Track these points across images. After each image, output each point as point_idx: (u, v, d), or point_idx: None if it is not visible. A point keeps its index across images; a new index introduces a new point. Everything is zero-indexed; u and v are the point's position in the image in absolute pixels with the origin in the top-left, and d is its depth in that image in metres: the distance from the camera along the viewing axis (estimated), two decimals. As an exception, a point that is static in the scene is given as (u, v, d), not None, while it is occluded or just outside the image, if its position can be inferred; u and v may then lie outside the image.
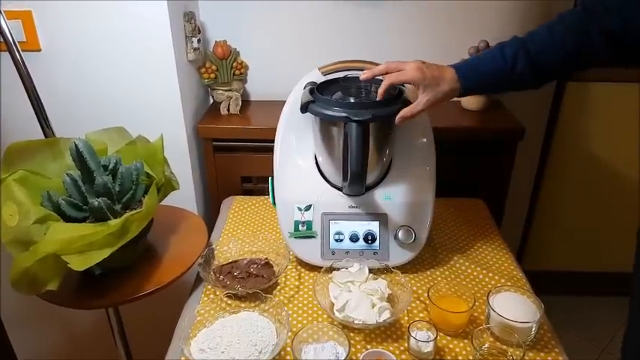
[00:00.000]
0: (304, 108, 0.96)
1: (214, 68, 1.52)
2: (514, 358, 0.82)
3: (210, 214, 1.57)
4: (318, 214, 1.04)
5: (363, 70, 0.95)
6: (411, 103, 0.89)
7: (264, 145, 1.39)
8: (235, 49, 1.55)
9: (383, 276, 0.98)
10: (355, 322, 0.87)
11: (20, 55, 1.01)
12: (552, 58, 0.83)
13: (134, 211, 0.91)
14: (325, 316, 0.94)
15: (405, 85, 0.96)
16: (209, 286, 1.03)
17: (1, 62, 1.25)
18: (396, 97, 0.95)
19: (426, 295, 0.97)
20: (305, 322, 0.94)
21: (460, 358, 0.86)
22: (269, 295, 0.94)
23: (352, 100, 0.96)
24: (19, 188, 0.87)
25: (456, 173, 1.37)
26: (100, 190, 0.92)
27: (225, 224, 1.26)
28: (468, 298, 0.92)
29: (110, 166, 0.96)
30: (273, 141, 1.09)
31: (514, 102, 1.60)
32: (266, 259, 1.07)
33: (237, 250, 1.11)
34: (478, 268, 1.08)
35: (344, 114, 0.90)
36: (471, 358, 0.85)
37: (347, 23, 1.55)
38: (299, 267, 1.08)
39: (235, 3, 1.52)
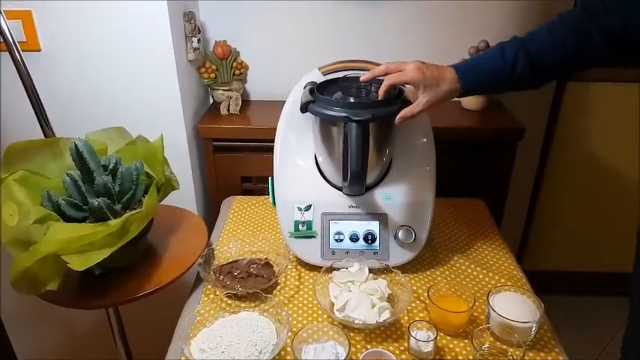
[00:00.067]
0: (304, 108, 0.96)
1: (214, 68, 1.52)
2: (514, 357, 0.82)
3: (210, 214, 1.57)
4: (318, 214, 1.04)
5: (363, 70, 0.95)
6: (411, 104, 0.89)
7: (264, 145, 1.39)
8: (235, 49, 1.55)
9: (383, 276, 0.98)
10: (355, 321, 0.87)
11: (20, 55, 1.01)
12: (552, 58, 0.83)
13: (134, 211, 0.91)
14: (325, 316, 0.94)
15: (405, 85, 0.96)
16: (209, 286, 1.03)
17: (1, 62, 1.25)
18: (396, 97, 0.95)
19: (426, 294, 0.97)
20: (305, 322, 0.94)
21: (460, 357, 0.86)
22: (269, 295, 0.94)
23: (352, 100, 0.96)
24: (19, 188, 0.87)
25: (456, 173, 1.37)
26: (100, 190, 0.92)
27: (225, 224, 1.26)
28: (468, 297, 0.92)
29: (110, 166, 0.96)
30: (273, 141, 1.09)
31: (514, 102, 1.60)
32: (266, 259, 1.07)
33: (237, 250, 1.11)
34: (478, 268, 1.08)
35: (344, 114, 0.90)
36: (471, 357, 0.85)
37: (347, 23, 1.55)
38: (299, 267, 1.08)
39: (235, 3, 1.52)
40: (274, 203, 1.09)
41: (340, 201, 1.05)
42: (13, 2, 1.21)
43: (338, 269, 0.98)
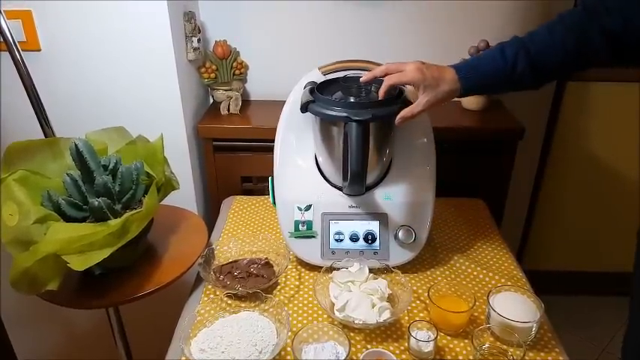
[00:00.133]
0: (304, 108, 0.96)
1: (214, 68, 1.52)
2: (514, 357, 0.82)
3: (210, 214, 1.57)
4: (318, 214, 1.04)
5: (363, 70, 0.95)
6: (411, 104, 0.89)
7: (264, 145, 1.39)
8: (235, 48, 1.55)
9: (383, 276, 0.98)
10: (355, 321, 0.87)
11: (20, 55, 1.01)
12: (552, 58, 0.83)
13: (134, 211, 0.91)
14: (325, 315, 0.94)
15: (406, 85, 0.96)
16: (209, 286, 1.03)
17: (1, 62, 1.25)
18: (397, 97, 0.95)
19: (426, 294, 0.97)
20: (305, 321, 0.94)
21: (460, 357, 0.86)
22: (269, 295, 0.94)
23: (352, 100, 0.96)
24: (19, 188, 0.87)
25: (456, 173, 1.37)
26: (100, 190, 0.92)
27: (225, 224, 1.26)
28: (468, 297, 0.92)
29: (110, 166, 0.96)
30: (273, 141, 1.09)
31: (514, 102, 1.60)
32: (266, 258, 1.07)
33: (238, 250, 1.11)
34: (478, 268, 1.08)
35: (344, 114, 0.90)
36: (471, 357, 0.85)
37: (347, 23, 1.55)
38: (299, 267, 1.08)
39: (235, 3, 1.52)
40: (274, 203, 1.09)
41: (340, 201, 1.05)
42: (13, 2, 1.20)
43: (338, 269, 0.98)
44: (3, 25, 0.98)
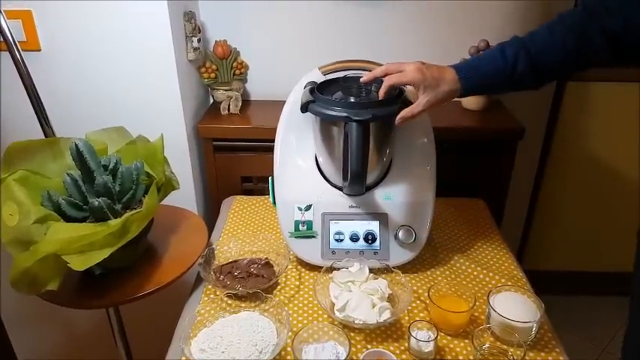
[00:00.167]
0: (304, 108, 0.96)
1: (214, 68, 1.52)
2: (515, 357, 0.82)
3: (211, 214, 1.57)
4: (319, 214, 1.04)
5: (363, 70, 0.95)
6: (412, 104, 0.89)
7: (264, 145, 1.39)
8: (235, 48, 1.55)
9: (383, 276, 0.98)
10: (356, 321, 0.87)
11: (20, 55, 1.01)
12: (553, 58, 0.83)
13: (134, 211, 0.91)
14: (325, 315, 0.94)
15: (406, 85, 0.96)
16: (209, 286, 1.02)
17: (1, 62, 1.25)
18: (397, 97, 0.95)
19: (426, 294, 0.96)
20: (305, 321, 0.94)
21: (461, 357, 0.86)
22: (269, 295, 0.94)
23: (352, 100, 0.96)
24: (20, 188, 0.87)
25: (456, 173, 1.37)
26: (101, 189, 0.92)
27: (225, 224, 1.26)
28: (468, 297, 0.92)
29: (110, 166, 0.96)
30: (273, 141, 1.09)
31: (514, 102, 1.60)
32: (266, 258, 1.07)
33: (238, 250, 1.11)
34: (478, 268, 1.08)
35: (344, 114, 0.90)
36: (471, 358, 0.85)
37: (347, 23, 1.55)
38: (299, 267, 1.08)
39: (235, 3, 1.52)
40: (274, 203, 1.09)
41: (340, 201, 1.05)
42: (13, 2, 1.20)
43: (338, 269, 0.98)
44: (3, 25, 0.98)
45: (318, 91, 0.98)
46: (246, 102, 1.62)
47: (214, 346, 0.83)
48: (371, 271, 0.97)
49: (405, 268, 1.05)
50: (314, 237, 1.04)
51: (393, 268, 0.99)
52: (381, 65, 0.93)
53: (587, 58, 0.82)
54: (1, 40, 0.99)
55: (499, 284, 1.02)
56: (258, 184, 1.53)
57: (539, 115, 1.73)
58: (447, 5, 1.52)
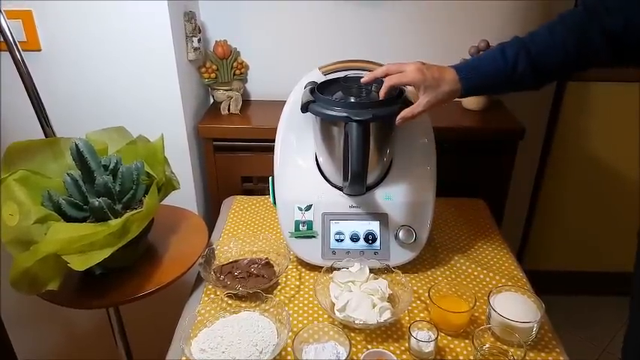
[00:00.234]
0: (305, 108, 0.96)
1: (215, 68, 1.52)
2: (515, 358, 0.82)
3: (211, 214, 1.57)
4: (319, 214, 1.04)
5: (363, 70, 0.95)
6: (412, 104, 0.89)
7: (264, 145, 1.39)
8: (235, 48, 1.55)
9: (383, 276, 0.98)
10: (356, 322, 0.87)
11: (20, 55, 1.01)
12: (553, 58, 0.83)
13: (135, 211, 0.91)
14: (326, 316, 0.94)
15: (406, 86, 0.96)
16: (210, 286, 1.02)
17: (2, 62, 1.25)
18: (397, 97, 0.95)
19: (426, 295, 0.96)
20: (306, 322, 0.94)
21: (461, 358, 0.86)
22: (270, 295, 0.94)
23: (353, 100, 0.96)
24: (20, 188, 0.87)
25: (456, 173, 1.37)
26: (101, 189, 0.92)
27: (225, 224, 1.26)
28: (468, 298, 0.92)
29: (110, 166, 0.96)
30: (273, 141, 1.09)
31: (514, 102, 1.60)
32: (266, 258, 1.07)
33: (238, 250, 1.11)
34: (479, 268, 1.08)
35: (344, 114, 0.90)
36: (471, 358, 0.85)
37: (347, 23, 1.55)
38: (299, 267, 1.08)
39: (235, 3, 1.52)
40: (275, 203, 1.09)
41: (341, 201, 1.05)
42: (13, 2, 1.20)
43: (338, 269, 0.98)
44: (3, 25, 0.98)
45: (319, 91, 0.98)
46: (246, 102, 1.61)
47: (215, 346, 0.83)
48: (371, 271, 0.97)
49: (406, 268, 1.05)
50: (314, 237, 1.04)
51: (394, 268, 0.99)
52: (381, 65, 0.93)
53: (587, 58, 0.82)
54: (1, 40, 0.99)
55: (499, 284, 1.02)
56: (259, 184, 1.53)
57: (539, 115, 1.73)
58: (447, 5, 1.52)
